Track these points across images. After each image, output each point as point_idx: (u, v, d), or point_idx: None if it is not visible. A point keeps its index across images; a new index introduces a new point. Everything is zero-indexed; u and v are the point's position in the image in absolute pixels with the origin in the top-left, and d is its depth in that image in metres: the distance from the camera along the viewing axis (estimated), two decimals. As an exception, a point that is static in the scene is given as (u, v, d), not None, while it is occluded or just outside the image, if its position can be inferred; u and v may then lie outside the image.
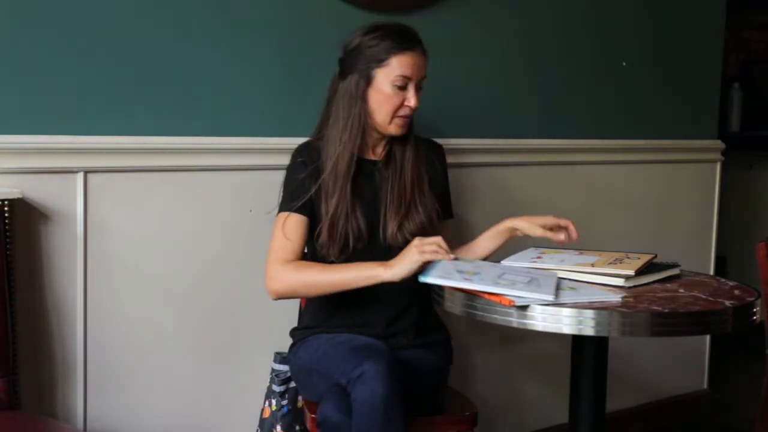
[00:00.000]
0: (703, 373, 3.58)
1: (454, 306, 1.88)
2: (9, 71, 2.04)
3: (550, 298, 1.72)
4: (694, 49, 3.40)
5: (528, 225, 2.17)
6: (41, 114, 2.08)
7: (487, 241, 2.25)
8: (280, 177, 2.23)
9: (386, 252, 2.09)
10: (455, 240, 2.65)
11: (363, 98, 2.11)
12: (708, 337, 3.55)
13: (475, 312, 1.80)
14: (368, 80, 2.10)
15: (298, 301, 2.34)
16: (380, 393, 1.86)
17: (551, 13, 2.97)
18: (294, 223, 2.10)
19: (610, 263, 2.00)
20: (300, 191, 2.11)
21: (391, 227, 2.13)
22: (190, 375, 2.34)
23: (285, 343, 2.29)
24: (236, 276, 2.38)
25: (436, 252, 1.93)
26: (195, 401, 2.35)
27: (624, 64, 3.18)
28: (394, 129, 2.13)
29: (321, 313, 2.19)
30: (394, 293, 2.14)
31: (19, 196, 2.02)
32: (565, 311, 1.71)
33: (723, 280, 2.11)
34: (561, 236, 2.15)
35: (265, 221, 2.27)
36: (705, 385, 3.59)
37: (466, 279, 1.80)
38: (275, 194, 2.23)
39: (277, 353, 2.34)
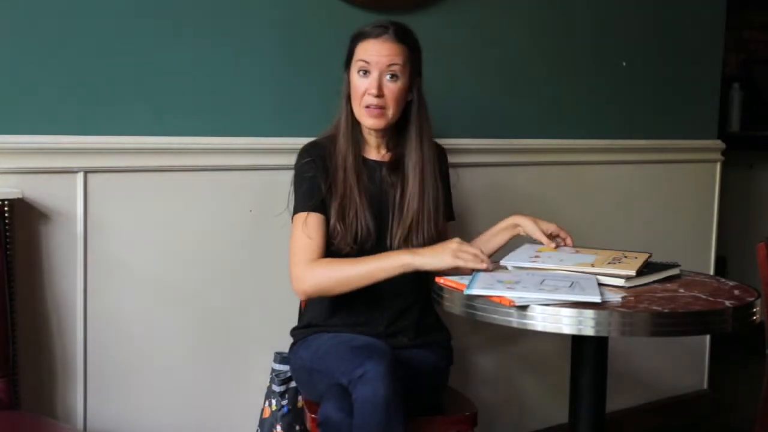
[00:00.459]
0: (703, 373, 3.58)
1: (454, 306, 1.88)
2: (9, 71, 2.04)
3: (597, 299, 1.73)
4: (694, 49, 3.39)
5: (532, 226, 2.18)
6: (41, 114, 2.08)
7: (493, 237, 2.26)
8: (280, 177, 2.23)
9: None
10: (455, 240, 2.65)
11: (347, 92, 2.15)
12: (708, 337, 3.55)
13: (475, 312, 1.80)
14: (348, 75, 2.14)
15: (298, 300, 2.34)
16: (382, 393, 1.86)
17: (551, 13, 2.97)
18: (314, 222, 2.09)
19: (609, 263, 2.00)
20: (314, 190, 2.11)
21: (398, 237, 2.13)
22: (190, 375, 2.34)
23: (285, 343, 2.29)
24: (236, 276, 2.38)
25: (471, 261, 1.97)
26: (195, 401, 2.35)
27: (624, 64, 3.18)
28: (364, 119, 2.13)
29: (321, 312, 2.19)
30: (395, 292, 2.14)
31: (19, 196, 2.02)
32: (565, 311, 1.71)
33: (723, 280, 2.11)
34: (554, 244, 2.17)
35: (265, 221, 2.27)
36: (705, 385, 3.59)
37: (509, 288, 1.80)
38: (275, 194, 2.23)
39: (277, 353, 2.34)
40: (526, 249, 2.18)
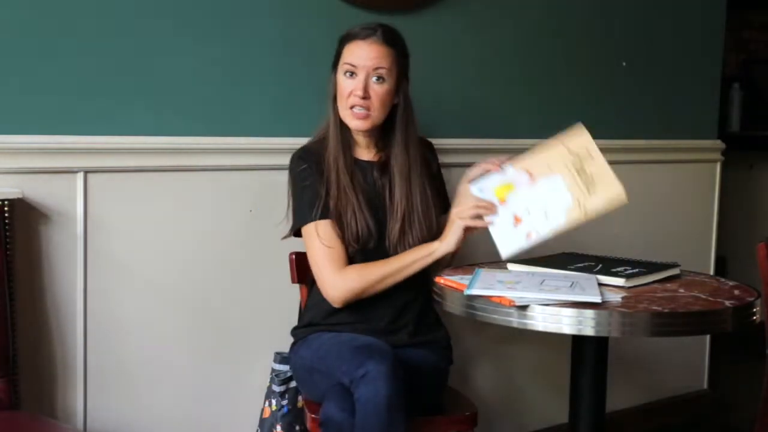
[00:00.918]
0: (703, 373, 3.57)
1: (454, 306, 1.88)
2: (9, 71, 2.04)
3: (597, 299, 1.74)
4: (694, 49, 3.39)
5: (472, 176, 2.08)
6: (41, 114, 2.08)
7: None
8: (280, 177, 2.23)
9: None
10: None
11: (334, 94, 2.15)
12: (708, 337, 3.55)
13: (475, 312, 1.80)
14: (335, 76, 2.15)
15: (298, 300, 2.34)
16: (384, 393, 1.86)
17: (551, 12, 2.97)
18: (326, 230, 2.09)
19: (579, 179, 2.00)
20: (315, 197, 2.11)
21: (393, 235, 2.14)
22: (190, 375, 2.34)
23: (285, 343, 2.29)
24: (236, 276, 2.38)
25: (476, 218, 2.02)
26: (195, 401, 2.35)
27: (624, 64, 3.17)
28: (349, 120, 2.13)
29: (322, 311, 2.19)
30: (394, 289, 2.13)
31: (19, 196, 2.02)
32: (565, 311, 1.71)
33: (723, 280, 2.11)
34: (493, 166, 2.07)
35: (265, 221, 2.27)
36: (705, 385, 3.59)
37: (510, 288, 1.81)
38: (275, 194, 2.23)
39: (277, 353, 2.34)
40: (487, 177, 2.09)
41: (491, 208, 2.02)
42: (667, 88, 3.32)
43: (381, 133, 2.19)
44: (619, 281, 1.93)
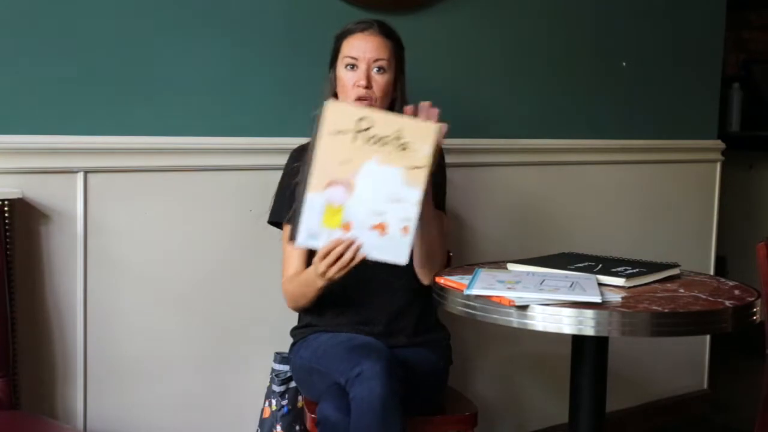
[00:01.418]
0: (703, 373, 3.57)
1: (454, 306, 1.88)
2: (9, 71, 2.04)
3: (598, 299, 1.73)
4: (694, 49, 3.39)
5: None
6: (41, 114, 2.08)
7: None
8: (279, 177, 2.23)
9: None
10: (454, 242, 2.66)
11: (333, 90, 2.16)
12: (708, 337, 3.55)
13: (475, 312, 1.80)
14: (334, 72, 2.16)
15: (298, 301, 2.34)
16: (378, 392, 1.86)
17: (552, 13, 2.97)
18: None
19: (385, 147, 1.83)
20: (294, 199, 2.09)
21: None
22: (190, 375, 2.34)
23: (285, 343, 2.29)
24: (236, 276, 2.38)
25: (342, 267, 1.88)
26: (195, 401, 2.35)
27: (624, 64, 3.17)
28: None
29: (321, 311, 2.19)
30: (394, 292, 2.14)
31: (19, 196, 2.02)
32: (566, 311, 1.71)
33: (723, 280, 2.11)
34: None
35: (265, 221, 2.26)
36: (705, 385, 3.59)
37: (509, 288, 1.80)
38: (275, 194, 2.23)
39: (277, 353, 2.34)
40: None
41: (346, 243, 1.84)
42: (667, 88, 3.32)
43: None
44: (619, 281, 1.93)
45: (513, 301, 1.73)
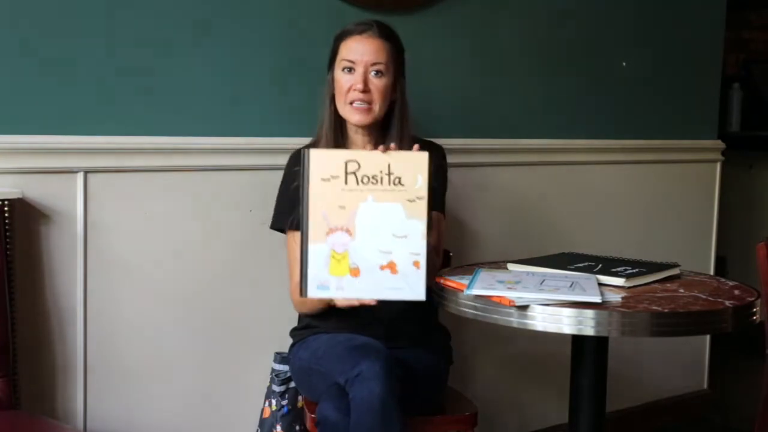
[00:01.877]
0: (703, 373, 3.57)
1: (454, 306, 1.88)
2: (9, 71, 2.04)
3: (598, 299, 1.73)
4: (694, 49, 3.39)
5: None
6: (41, 114, 2.08)
7: None
8: (279, 177, 2.23)
9: None
10: (454, 242, 2.66)
11: (331, 93, 2.15)
12: (708, 337, 3.55)
13: (475, 312, 1.80)
14: (332, 74, 2.14)
15: (298, 301, 2.34)
16: (377, 392, 1.86)
17: (550, 13, 2.96)
18: (298, 241, 2.08)
19: (380, 185, 1.81)
20: (296, 204, 2.08)
21: None
22: (190, 375, 2.34)
23: (285, 343, 2.29)
24: (236, 276, 2.38)
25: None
26: (195, 401, 2.35)
27: (624, 64, 3.17)
28: (349, 116, 2.12)
29: (322, 315, 2.18)
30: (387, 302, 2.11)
31: (19, 196, 2.02)
32: (566, 311, 1.71)
33: (723, 280, 2.11)
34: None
35: (265, 221, 2.27)
36: (705, 385, 3.58)
37: (510, 288, 1.80)
38: (275, 194, 2.23)
39: (277, 353, 2.34)
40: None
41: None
42: (667, 87, 3.32)
43: (380, 131, 2.18)
44: (619, 281, 1.93)
45: (513, 301, 1.73)
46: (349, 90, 2.10)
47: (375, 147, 2.02)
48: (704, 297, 1.87)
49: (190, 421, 2.35)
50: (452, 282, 1.91)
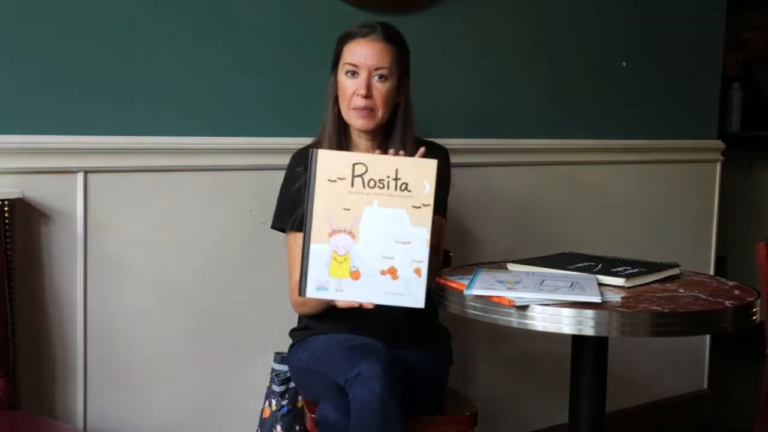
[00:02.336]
0: (703, 373, 3.57)
1: (454, 306, 1.88)
2: (9, 71, 2.04)
3: (597, 299, 1.73)
4: (694, 49, 3.39)
5: None
6: (41, 114, 2.08)
7: None
8: (280, 177, 2.23)
9: None
10: (454, 242, 2.66)
11: (335, 94, 2.14)
12: (708, 337, 3.55)
13: (475, 312, 1.80)
14: (335, 76, 2.13)
15: (298, 301, 2.34)
16: (377, 392, 1.86)
17: (551, 12, 2.97)
18: (299, 242, 2.08)
19: (386, 190, 1.81)
20: (297, 204, 2.08)
21: None
22: (190, 375, 2.34)
23: (285, 343, 2.29)
24: (236, 276, 2.38)
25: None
26: (195, 401, 2.35)
27: (624, 64, 3.17)
28: (353, 120, 2.11)
29: (322, 317, 2.17)
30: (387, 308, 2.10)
31: (19, 196, 2.02)
32: (565, 311, 1.71)
33: (723, 280, 2.11)
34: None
35: (265, 221, 2.27)
36: (705, 385, 3.59)
37: (509, 288, 1.80)
38: (275, 194, 2.23)
39: (277, 353, 2.34)
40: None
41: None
42: (667, 88, 3.32)
43: (384, 134, 2.17)
44: (619, 281, 1.93)
45: (513, 301, 1.73)
46: (352, 95, 2.09)
47: (377, 150, 2.05)
48: (704, 297, 1.87)
49: (190, 421, 2.35)
50: (452, 282, 1.91)
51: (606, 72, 3.14)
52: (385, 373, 1.88)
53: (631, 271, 2.01)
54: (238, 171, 2.36)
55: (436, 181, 1.80)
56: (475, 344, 2.83)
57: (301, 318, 2.26)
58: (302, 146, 2.22)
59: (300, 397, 2.27)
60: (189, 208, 2.30)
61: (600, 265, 2.07)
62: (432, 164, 1.81)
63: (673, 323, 1.75)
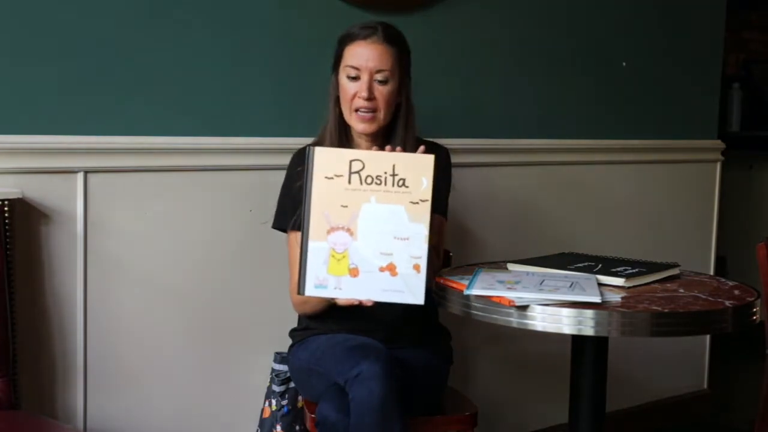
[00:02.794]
0: (703, 373, 3.57)
1: (454, 306, 1.88)
2: (9, 71, 2.04)
3: (597, 299, 1.73)
4: (694, 49, 3.39)
5: None
6: (41, 114, 2.08)
7: None
8: (280, 177, 2.23)
9: None
10: (454, 242, 2.66)
11: (336, 95, 2.13)
12: (708, 337, 3.55)
13: (475, 312, 1.80)
14: (336, 77, 2.13)
15: (298, 301, 2.34)
16: (377, 392, 1.86)
17: (551, 12, 2.96)
18: (299, 242, 2.07)
19: (383, 186, 1.80)
20: (298, 204, 2.07)
21: None
22: (190, 375, 2.34)
23: (285, 343, 2.29)
24: (236, 276, 2.38)
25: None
26: (195, 401, 2.35)
27: (624, 64, 3.17)
28: (355, 124, 2.11)
29: (322, 318, 2.17)
30: (388, 308, 2.10)
31: (19, 196, 2.02)
32: (565, 311, 1.71)
33: (723, 280, 2.11)
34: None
35: (265, 220, 2.27)
36: (705, 385, 3.58)
37: (509, 288, 1.80)
38: (275, 194, 2.23)
39: (277, 353, 2.34)
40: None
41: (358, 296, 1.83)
42: (667, 88, 3.32)
43: (385, 135, 2.16)
44: (619, 281, 1.93)
45: (513, 301, 1.73)
46: (353, 97, 2.08)
47: (380, 149, 2.02)
48: (704, 297, 1.87)
49: (190, 421, 2.35)
50: (452, 282, 1.91)
51: (606, 72, 3.14)
52: (385, 373, 1.88)
53: (631, 271, 2.01)
54: (238, 171, 2.36)
55: (434, 176, 1.80)
56: (475, 344, 2.83)
57: (301, 318, 2.26)
58: (303, 146, 2.21)
59: (300, 397, 2.27)
60: (189, 208, 2.30)
61: (600, 265, 2.07)
62: (429, 159, 1.81)
63: (673, 323, 1.75)
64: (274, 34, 2.39)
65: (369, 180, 1.80)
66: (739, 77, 5.13)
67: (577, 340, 1.97)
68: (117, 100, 2.18)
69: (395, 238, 1.80)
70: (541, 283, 1.85)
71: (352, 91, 2.08)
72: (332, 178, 1.80)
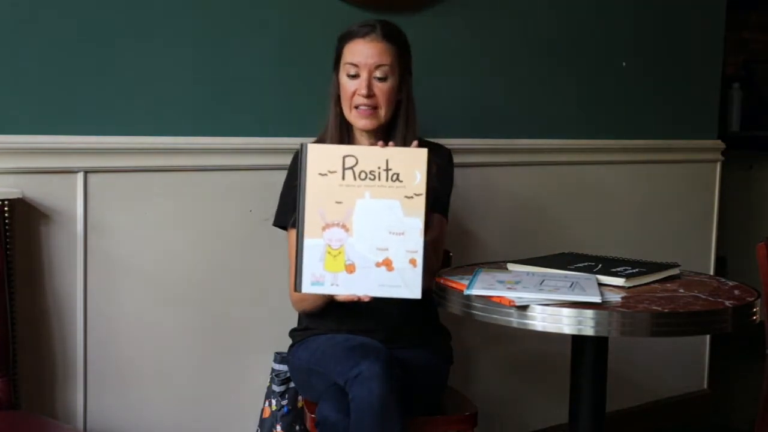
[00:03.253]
0: (703, 373, 3.57)
1: (454, 306, 1.88)
2: (9, 71, 2.04)
3: (597, 299, 1.73)
4: (694, 49, 3.39)
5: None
6: (41, 114, 2.08)
7: None
8: (280, 177, 2.23)
9: None
10: (454, 242, 2.66)
11: (336, 93, 2.13)
12: (708, 337, 3.55)
13: (475, 312, 1.80)
14: (336, 75, 2.13)
15: (298, 301, 2.34)
16: (377, 392, 1.86)
17: (551, 12, 2.96)
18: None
19: (377, 181, 1.81)
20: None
21: None
22: (190, 375, 2.34)
23: (285, 343, 2.29)
24: (236, 276, 2.38)
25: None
26: (195, 401, 2.35)
27: (624, 64, 3.17)
28: (355, 121, 2.11)
29: (322, 317, 2.17)
30: (396, 302, 2.11)
31: (19, 196, 2.02)
32: (565, 311, 1.71)
33: (723, 280, 2.11)
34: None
35: (265, 219, 2.27)
36: (705, 385, 3.58)
37: (509, 288, 1.80)
38: (275, 194, 2.23)
39: (277, 353, 2.34)
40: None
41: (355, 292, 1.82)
42: (667, 88, 3.32)
43: (385, 134, 2.16)
44: (619, 281, 1.93)
45: (513, 301, 1.73)
46: (353, 95, 2.09)
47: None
48: (704, 297, 1.87)
49: (190, 421, 2.35)
50: (452, 282, 1.91)
51: (606, 72, 3.14)
52: (385, 373, 1.88)
53: (631, 271, 2.01)
54: (238, 171, 2.37)
55: (429, 170, 1.80)
56: (475, 344, 2.83)
57: (301, 318, 2.26)
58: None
59: (300, 397, 2.27)
60: (189, 208, 2.30)
61: (600, 265, 2.07)
62: (422, 153, 1.81)
63: (673, 323, 1.75)
64: (274, 34, 2.39)
65: (363, 175, 1.80)
66: (739, 77, 5.12)
67: (577, 340, 1.97)
68: (117, 100, 2.18)
69: (390, 232, 1.80)
70: (541, 283, 1.85)
71: (351, 89, 2.08)
72: (326, 174, 1.80)
